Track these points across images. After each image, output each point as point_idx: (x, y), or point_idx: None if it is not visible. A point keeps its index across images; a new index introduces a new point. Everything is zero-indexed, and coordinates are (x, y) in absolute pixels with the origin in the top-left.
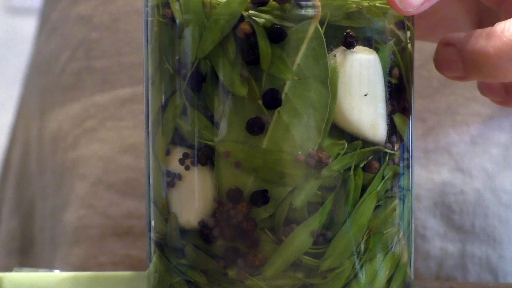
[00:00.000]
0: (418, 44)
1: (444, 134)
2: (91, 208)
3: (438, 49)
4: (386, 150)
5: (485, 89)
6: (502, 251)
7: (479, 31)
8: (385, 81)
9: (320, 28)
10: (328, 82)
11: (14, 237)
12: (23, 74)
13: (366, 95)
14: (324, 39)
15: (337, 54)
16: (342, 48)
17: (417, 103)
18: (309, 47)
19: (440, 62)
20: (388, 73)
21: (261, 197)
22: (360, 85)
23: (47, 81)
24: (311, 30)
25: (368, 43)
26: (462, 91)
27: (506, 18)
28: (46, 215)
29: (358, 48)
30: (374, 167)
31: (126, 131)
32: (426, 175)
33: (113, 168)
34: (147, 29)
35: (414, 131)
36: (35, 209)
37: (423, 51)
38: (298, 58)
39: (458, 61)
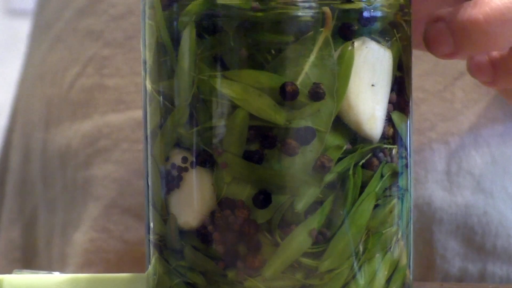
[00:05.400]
0: (440, 67)
1: (466, 156)
2: (105, 231)
3: (427, 27)
4: (385, 146)
5: (473, 68)
6: None
7: (468, 2)
8: (391, 79)
9: (330, 39)
10: (335, 92)
11: (16, 247)
12: (19, 76)
13: (373, 85)
14: (333, 50)
15: (356, 42)
16: (364, 37)
17: (441, 126)
18: (318, 57)
19: (430, 39)
20: (393, 70)
21: (262, 199)
22: (370, 74)
23: (52, 93)
24: (321, 40)
25: (382, 39)
26: (484, 112)
27: None
28: (54, 230)
29: (376, 42)
30: (374, 164)
31: (142, 154)
32: (450, 199)
33: (128, 191)
34: (144, 33)
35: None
36: (39, 219)
37: (446, 74)
38: (306, 67)
39: (448, 35)
